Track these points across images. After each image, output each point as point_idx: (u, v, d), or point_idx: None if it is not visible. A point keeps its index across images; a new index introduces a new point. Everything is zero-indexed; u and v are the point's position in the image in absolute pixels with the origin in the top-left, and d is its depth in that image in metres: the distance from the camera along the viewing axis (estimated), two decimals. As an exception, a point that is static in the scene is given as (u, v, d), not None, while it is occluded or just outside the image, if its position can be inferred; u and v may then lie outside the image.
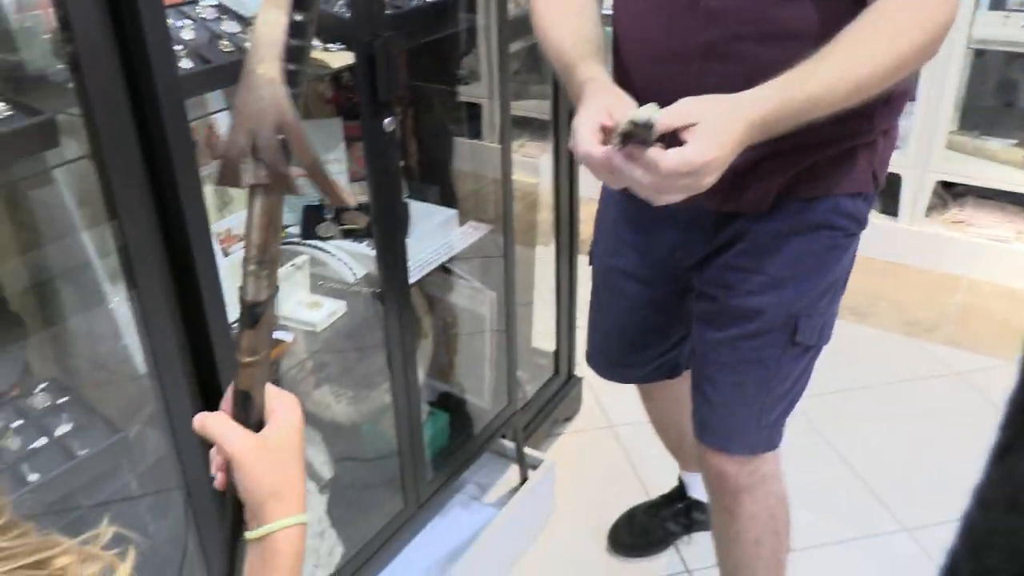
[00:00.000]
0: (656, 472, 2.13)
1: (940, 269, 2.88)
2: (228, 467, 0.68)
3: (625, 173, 0.91)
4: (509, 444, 1.95)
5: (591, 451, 2.22)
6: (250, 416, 0.67)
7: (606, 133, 0.94)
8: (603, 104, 0.96)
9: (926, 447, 2.15)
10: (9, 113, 0.92)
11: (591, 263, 1.46)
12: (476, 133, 2.19)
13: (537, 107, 2.60)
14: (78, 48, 0.87)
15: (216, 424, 0.67)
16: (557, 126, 1.87)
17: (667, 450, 1.81)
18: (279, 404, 0.69)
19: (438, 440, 1.75)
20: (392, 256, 1.39)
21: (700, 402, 1.29)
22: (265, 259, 0.61)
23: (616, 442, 2.26)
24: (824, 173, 1.12)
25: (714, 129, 0.89)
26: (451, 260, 1.68)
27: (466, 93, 2.18)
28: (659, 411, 1.69)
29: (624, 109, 0.94)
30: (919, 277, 2.88)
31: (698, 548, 1.93)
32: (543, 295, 2.15)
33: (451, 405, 1.84)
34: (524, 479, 1.91)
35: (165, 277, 1.01)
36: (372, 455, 1.66)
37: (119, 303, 1.22)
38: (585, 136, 0.94)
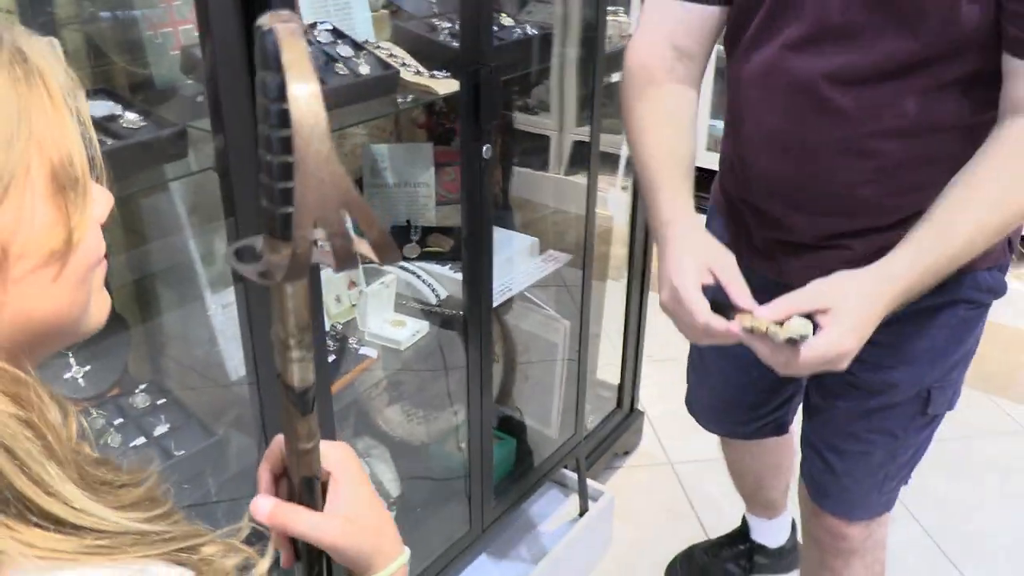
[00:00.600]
0: (715, 512, 2.11)
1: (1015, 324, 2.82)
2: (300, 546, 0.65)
3: (750, 345, 0.93)
4: (570, 474, 1.95)
5: (650, 486, 2.21)
6: (317, 498, 0.63)
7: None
8: (702, 261, 0.96)
9: (998, 506, 2.10)
10: (143, 124, 0.97)
11: None
12: (542, 164, 2.22)
13: (608, 140, 2.63)
14: (216, 66, 0.91)
15: (297, 520, 0.62)
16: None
17: (738, 493, 1.80)
18: (335, 463, 0.65)
19: (504, 465, 1.76)
20: (478, 279, 1.41)
21: (820, 468, 1.27)
22: (308, 340, 0.58)
23: (675, 478, 2.24)
24: None
25: (853, 316, 0.88)
26: (528, 288, 1.70)
27: (535, 124, 2.22)
28: (740, 460, 1.68)
29: (722, 264, 0.96)
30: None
31: (757, 594, 1.91)
32: (608, 328, 2.16)
33: (517, 431, 1.85)
34: (584, 510, 1.90)
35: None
36: (440, 475, 1.67)
37: (216, 310, 1.26)
38: (698, 304, 0.93)
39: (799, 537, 1.93)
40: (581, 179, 1.76)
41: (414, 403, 1.68)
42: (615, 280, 2.16)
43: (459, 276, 1.49)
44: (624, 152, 3.27)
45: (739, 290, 0.94)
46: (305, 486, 0.62)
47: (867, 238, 1.07)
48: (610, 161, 3.30)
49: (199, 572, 0.50)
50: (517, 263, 1.65)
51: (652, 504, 2.15)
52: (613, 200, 3.14)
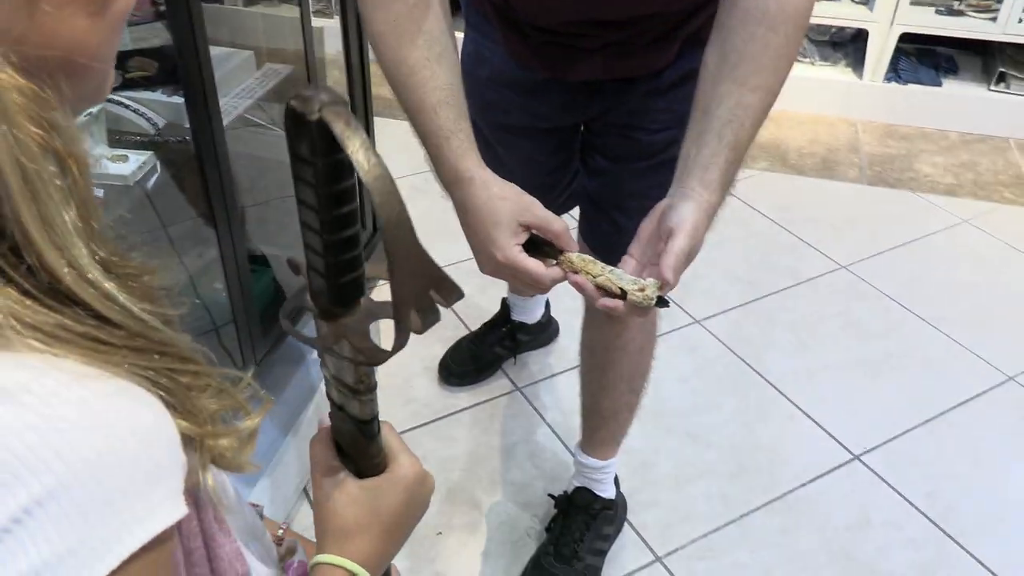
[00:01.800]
0: (473, 307, 2.22)
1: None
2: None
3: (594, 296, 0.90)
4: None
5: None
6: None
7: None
8: (512, 222, 0.91)
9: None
10: None
11: None
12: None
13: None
14: None
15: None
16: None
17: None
18: (400, 461, 0.67)
19: (265, 297, 1.69)
20: (202, 99, 1.28)
21: (608, 229, 1.31)
22: (373, 383, 0.63)
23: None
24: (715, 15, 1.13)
25: (694, 226, 0.90)
26: (253, 109, 1.59)
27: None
28: None
29: (532, 216, 0.91)
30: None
31: (525, 368, 2.06)
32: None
33: (269, 261, 1.77)
34: (351, 329, 1.91)
35: None
36: (204, 319, 1.58)
37: None
38: (535, 269, 0.90)
39: (552, 312, 2.11)
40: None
41: (160, 248, 1.54)
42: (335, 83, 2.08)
43: (176, 100, 1.35)
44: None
45: (560, 237, 0.92)
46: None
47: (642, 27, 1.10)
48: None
49: (175, 405, 0.45)
50: (233, 80, 1.52)
51: (413, 313, 2.20)
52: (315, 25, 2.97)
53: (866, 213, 2.74)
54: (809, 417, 1.97)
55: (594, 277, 0.89)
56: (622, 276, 0.89)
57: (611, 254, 1.37)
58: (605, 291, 0.88)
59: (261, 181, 1.72)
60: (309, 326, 0.63)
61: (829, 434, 1.93)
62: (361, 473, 0.66)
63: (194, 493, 0.50)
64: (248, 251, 1.73)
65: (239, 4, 1.81)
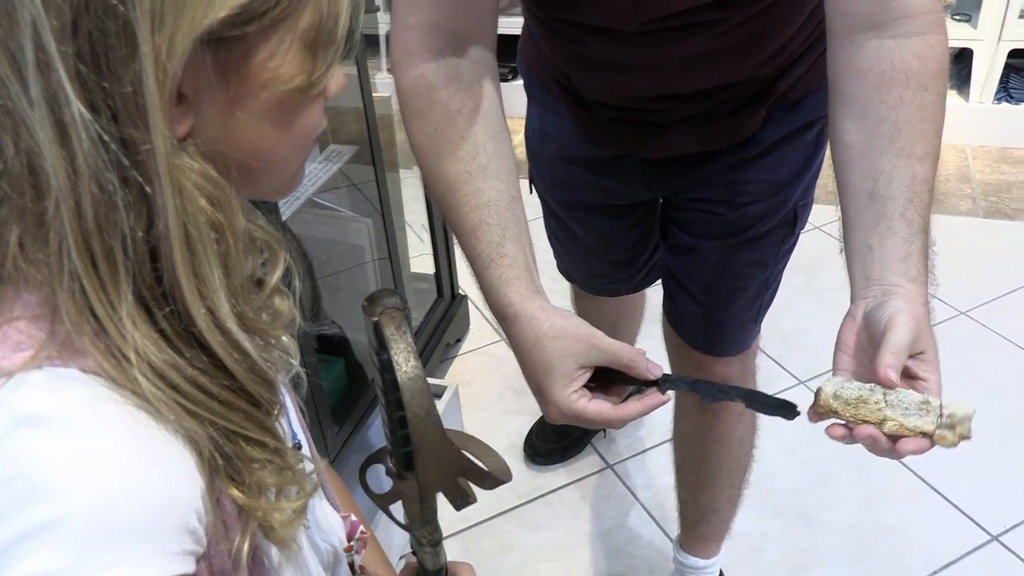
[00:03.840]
0: (558, 376, 2.10)
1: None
2: None
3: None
4: (408, 377, 1.85)
5: (488, 367, 2.17)
6: None
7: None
8: (571, 365, 0.76)
9: (807, 301, 2.22)
10: None
11: (532, 191, 1.29)
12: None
13: (366, 20, 2.42)
14: None
15: None
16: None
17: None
18: None
19: (337, 388, 1.63)
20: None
21: (693, 310, 1.20)
22: (438, 536, 0.69)
23: (511, 354, 2.20)
24: (805, 74, 1.02)
25: (933, 344, 0.72)
26: (316, 193, 1.53)
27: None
28: (597, 311, 1.56)
29: (594, 355, 0.76)
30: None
31: (615, 444, 1.93)
32: (409, 219, 2.03)
33: (342, 349, 1.71)
34: (430, 410, 1.82)
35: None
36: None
37: None
38: (601, 413, 0.76)
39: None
40: (346, 68, 1.58)
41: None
42: (407, 168, 2.02)
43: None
44: (384, 31, 3.07)
45: (635, 368, 0.76)
46: None
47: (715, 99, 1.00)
48: (371, 44, 3.09)
49: (232, 474, 0.50)
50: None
51: (495, 384, 2.11)
52: (382, 83, 2.95)
53: (984, 249, 2.50)
54: (937, 491, 1.77)
55: (877, 423, 0.67)
56: (906, 405, 0.67)
57: (697, 338, 1.26)
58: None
59: (330, 265, 1.66)
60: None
61: (962, 512, 1.72)
62: None
63: (253, 554, 0.53)
64: (317, 335, 1.67)
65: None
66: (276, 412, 0.54)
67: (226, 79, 0.46)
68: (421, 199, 1.96)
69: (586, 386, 0.76)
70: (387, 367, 0.57)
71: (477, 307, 2.34)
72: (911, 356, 0.69)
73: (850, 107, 0.78)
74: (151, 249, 0.45)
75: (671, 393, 0.78)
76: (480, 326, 2.28)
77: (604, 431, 1.93)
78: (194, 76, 0.44)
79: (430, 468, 0.57)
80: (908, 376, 0.69)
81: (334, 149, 1.54)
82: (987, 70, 2.93)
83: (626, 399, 0.78)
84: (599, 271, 1.39)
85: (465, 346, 2.23)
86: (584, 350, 0.75)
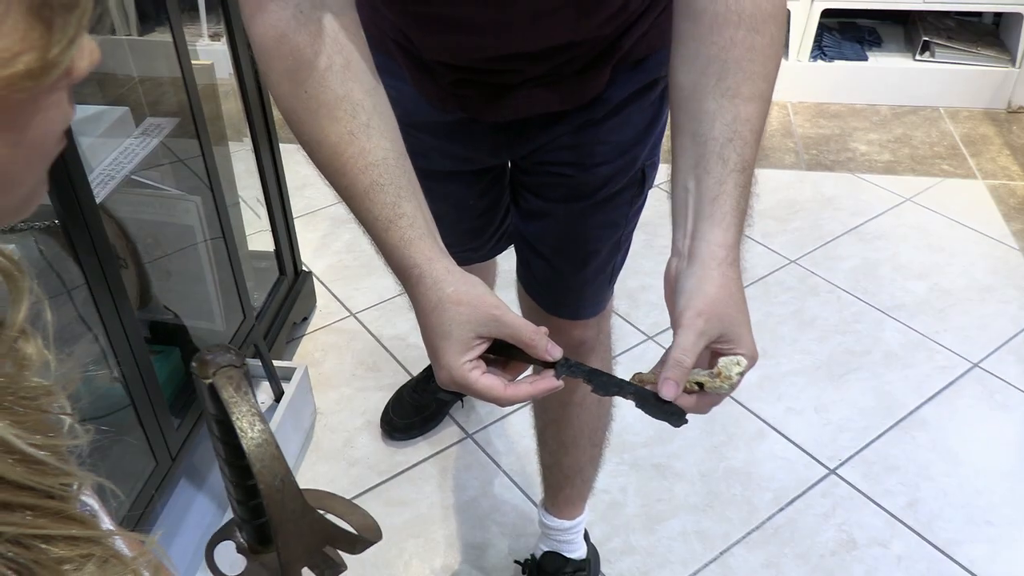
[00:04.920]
0: (412, 348, 2.06)
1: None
2: None
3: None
4: (253, 362, 1.75)
5: (339, 344, 2.09)
6: None
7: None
8: (470, 332, 0.73)
9: (650, 260, 2.28)
10: None
11: None
12: (107, 26, 1.83)
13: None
14: None
15: None
16: (227, 4, 1.60)
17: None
18: None
19: (174, 381, 1.51)
20: (66, 171, 1.10)
21: (547, 274, 1.18)
22: None
23: (362, 328, 2.14)
24: (648, 31, 1.00)
25: (743, 323, 0.74)
26: (136, 170, 1.40)
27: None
28: None
29: (493, 326, 0.73)
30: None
31: (474, 412, 1.92)
32: (244, 195, 1.91)
33: (178, 337, 1.59)
34: (279, 393, 1.74)
35: None
36: (106, 413, 1.39)
37: None
38: (491, 389, 0.72)
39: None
40: (161, 36, 1.45)
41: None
42: (237, 141, 1.90)
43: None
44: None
45: (535, 347, 0.74)
46: None
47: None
48: (190, 7, 2.88)
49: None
50: (111, 143, 1.34)
51: (346, 361, 2.04)
52: (204, 51, 2.76)
53: (808, 200, 2.65)
54: (778, 431, 1.86)
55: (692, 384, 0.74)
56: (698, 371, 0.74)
57: (552, 302, 1.25)
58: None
59: (158, 248, 1.54)
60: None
61: (801, 448, 1.83)
62: None
63: None
64: (150, 322, 1.54)
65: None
66: (76, 489, 0.40)
67: None
68: (255, 172, 1.84)
69: (484, 357, 0.73)
70: (229, 433, 0.51)
71: (323, 283, 2.25)
72: (714, 343, 0.72)
73: (684, 48, 0.78)
74: None
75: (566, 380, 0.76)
76: (328, 302, 2.20)
77: (461, 401, 1.90)
78: None
79: (292, 543, 0.51)
80: (720, 354, 0.74)
81: (152, 122, 1.41)
82: (803, 29, 3.09)
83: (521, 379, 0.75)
84: (449, 240, 1.34)
85: (312, 324, 2.15)
86: (484, 320, 0.72)
